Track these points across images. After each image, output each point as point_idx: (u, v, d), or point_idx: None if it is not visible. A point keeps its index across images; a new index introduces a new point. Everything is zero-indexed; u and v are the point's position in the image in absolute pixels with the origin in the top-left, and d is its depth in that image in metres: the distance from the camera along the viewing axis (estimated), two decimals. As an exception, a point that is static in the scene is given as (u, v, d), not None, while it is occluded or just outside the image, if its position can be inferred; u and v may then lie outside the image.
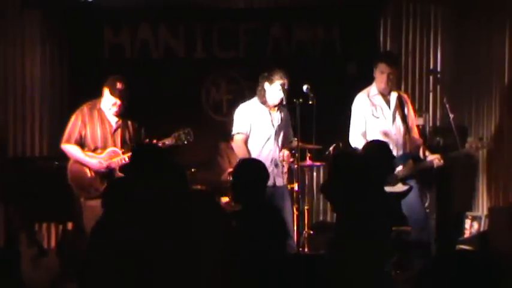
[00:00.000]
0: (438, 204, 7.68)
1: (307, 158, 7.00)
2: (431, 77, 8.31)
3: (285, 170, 6.73)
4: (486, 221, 7.71)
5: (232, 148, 7.05)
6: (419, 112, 7.87)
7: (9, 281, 5.95)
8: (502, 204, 7.42)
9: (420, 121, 7.79)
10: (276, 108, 6.73)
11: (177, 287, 3.50)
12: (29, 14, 7.74)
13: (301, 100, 6.50)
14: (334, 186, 4.42)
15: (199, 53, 8.05)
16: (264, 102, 6.70)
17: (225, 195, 6.80)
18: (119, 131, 6.51)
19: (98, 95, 6.50)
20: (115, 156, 6.42)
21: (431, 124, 8.27)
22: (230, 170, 6.92)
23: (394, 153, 6.61)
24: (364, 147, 5.77)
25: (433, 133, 8.15)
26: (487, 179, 7.97)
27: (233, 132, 6.74)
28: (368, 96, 6.74)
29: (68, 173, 6.46)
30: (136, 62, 7.92)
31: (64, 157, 6.54)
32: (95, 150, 6.45)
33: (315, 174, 8.15)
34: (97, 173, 6.40)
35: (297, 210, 6.80)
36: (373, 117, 6.69)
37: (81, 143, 6.44)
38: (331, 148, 7.02)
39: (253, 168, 5.08)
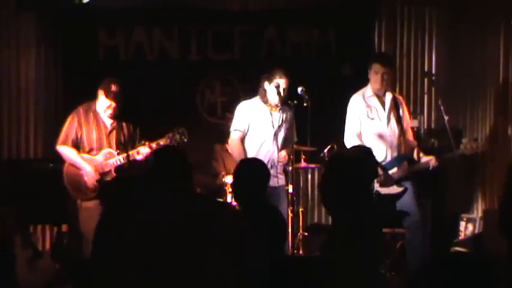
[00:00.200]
0: (433, 206, 7.68)
1: (302, 160, 6.99)
2: (426, 79, 8.32)
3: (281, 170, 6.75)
4: (481, 223, 7.73)
5: (227, 151, 7.04)
6: (414, 114, 7.88)
7: (4, 283, 5.94)
8: (497, 207, 7.42)
9: (415, 123, 7.80)
10: (278, 108, 6.73)
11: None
12: (24, 16, 7.72)
13: (295, 102, 6.51)
14: (327, 188, 4.41)
15: (194, 55, 8.04)
16: (265, 101, 6.71)
17: (220, 198, 6.78)
18: (114, 132, 6.51)
19: (93, 97, 6.50)
20: (110, 158, 6.42)
21: (426, 126, 8.28)
22: (224, 173, 6.92)
23: (389, 154, 6.64)
24: (348, 151, 5.76)
25: (428, 135, 8.15)
26: (482, 181, 7.99)
27: (231, 129, 6.75)
28: (363, 97, 6.74)
29: (64, 175, 6.46)
30: (131, 64, 7.90)
31: (59, 159, 6.53)
32: (90, 151, 6.45)
33: (309, 176, 8.15)
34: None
35: (291, 212, 6.79)
36: (368, 118, 6.69)
37: (77, 144, 6.45)
38: (325, 150, 7.02)
39: (253, 168, 5.08)
